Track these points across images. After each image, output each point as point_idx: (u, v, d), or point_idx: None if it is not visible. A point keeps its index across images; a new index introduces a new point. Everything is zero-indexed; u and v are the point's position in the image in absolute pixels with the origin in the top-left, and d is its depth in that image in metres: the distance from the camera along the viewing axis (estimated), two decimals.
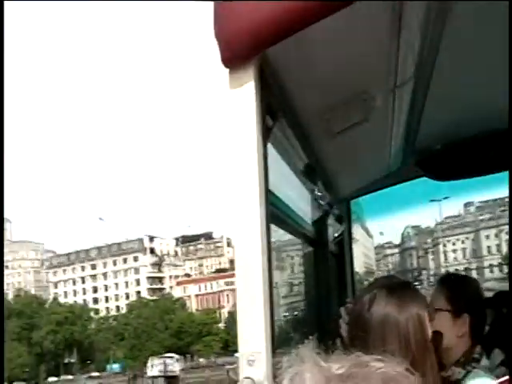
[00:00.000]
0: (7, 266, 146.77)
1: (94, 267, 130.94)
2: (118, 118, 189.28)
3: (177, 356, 76.53)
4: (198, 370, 77.95)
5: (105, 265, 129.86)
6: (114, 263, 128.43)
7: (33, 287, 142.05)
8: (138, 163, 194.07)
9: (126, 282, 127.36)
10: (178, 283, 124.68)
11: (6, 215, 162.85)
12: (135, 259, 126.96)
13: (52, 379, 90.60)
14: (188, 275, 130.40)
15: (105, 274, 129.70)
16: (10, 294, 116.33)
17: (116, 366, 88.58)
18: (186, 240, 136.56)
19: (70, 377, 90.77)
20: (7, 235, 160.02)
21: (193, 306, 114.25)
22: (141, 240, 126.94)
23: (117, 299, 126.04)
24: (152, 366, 71.09)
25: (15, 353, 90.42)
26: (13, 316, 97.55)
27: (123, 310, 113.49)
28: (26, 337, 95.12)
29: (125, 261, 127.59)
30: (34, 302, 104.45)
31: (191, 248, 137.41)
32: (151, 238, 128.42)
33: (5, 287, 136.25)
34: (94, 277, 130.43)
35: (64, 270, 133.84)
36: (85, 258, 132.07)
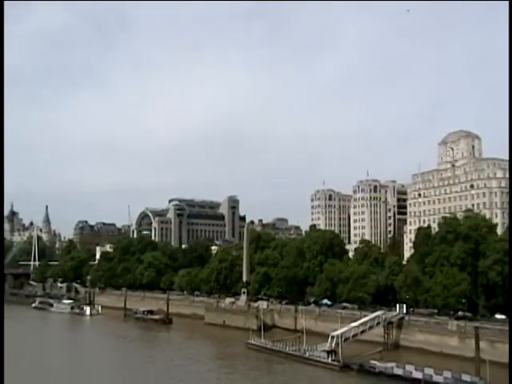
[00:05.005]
0: (472, 186, 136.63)
1: None
2: None
3: None
4: None
5: None
6: None
7: (498, 209, 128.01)
8: None
9: None
10: None
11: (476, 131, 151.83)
12: None
13: (499, 316, 77.33)
14: None
15: None
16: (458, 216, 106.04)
17: None
18: None
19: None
20: (475, 152, 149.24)
21: None
22: None
23: None
24: None
25: (453, 280, 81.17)
26: (459, 239, 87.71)
27: None
28: (470, 264, 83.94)
29: None
30: (483, 226, 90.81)
31: None
32: None
33: (470, 207, 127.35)
34: None
35: None
36: None
